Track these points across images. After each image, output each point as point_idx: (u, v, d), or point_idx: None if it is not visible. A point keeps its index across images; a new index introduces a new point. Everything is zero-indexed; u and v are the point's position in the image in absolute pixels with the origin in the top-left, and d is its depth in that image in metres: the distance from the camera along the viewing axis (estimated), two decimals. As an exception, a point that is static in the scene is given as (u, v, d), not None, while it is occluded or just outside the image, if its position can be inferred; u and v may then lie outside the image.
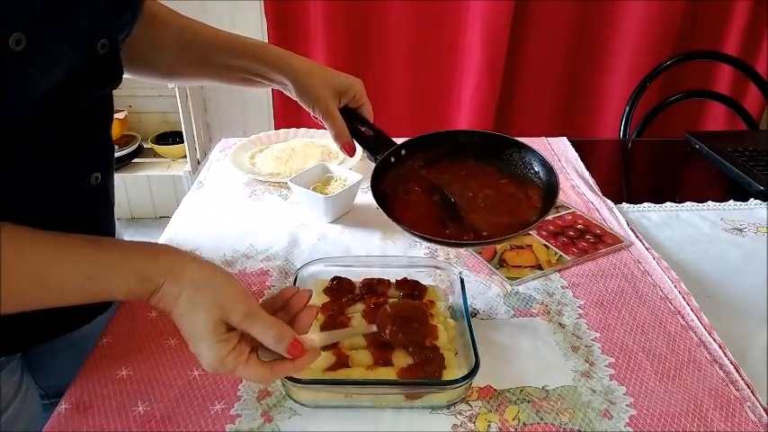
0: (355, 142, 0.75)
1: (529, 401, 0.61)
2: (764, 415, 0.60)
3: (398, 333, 0.62)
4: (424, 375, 0.60)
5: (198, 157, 2.21)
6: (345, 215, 0.97)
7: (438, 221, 0.67)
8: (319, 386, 0.60)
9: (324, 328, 0.67)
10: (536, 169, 0.71)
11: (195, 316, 0.49)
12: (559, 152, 1.22)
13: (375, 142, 0.74)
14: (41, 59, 0.48)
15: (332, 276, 0.74)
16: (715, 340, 0.69)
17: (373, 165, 0.71)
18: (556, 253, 0.87)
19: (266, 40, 1.94)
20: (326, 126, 0.75)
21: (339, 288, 0.73)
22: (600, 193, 1.05)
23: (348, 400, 0.61)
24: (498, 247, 0.88)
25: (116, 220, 0.76)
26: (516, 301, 0.77)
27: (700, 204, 1.02)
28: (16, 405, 0.66)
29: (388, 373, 0.60)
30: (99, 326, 0.71)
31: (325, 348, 0.64)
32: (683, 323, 0.73)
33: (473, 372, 0.58)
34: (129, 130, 2.24)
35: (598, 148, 1.41)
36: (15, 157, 0.54)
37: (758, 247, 0.90)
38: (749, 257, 0.88)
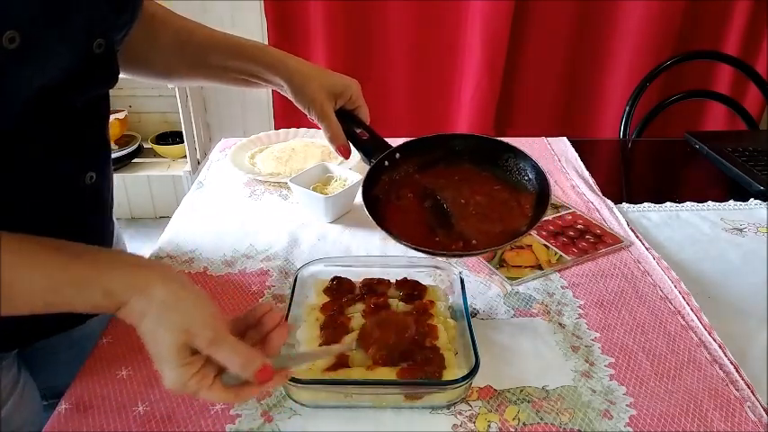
0: (351, 144, 0.75)
1: (529, 401, 0.61)
2: (764, 415, 0.60)
3: (381, 352, 0.61)
4: (424, 375, 0.60)
5: (198, 157, 2.21)
6: (345, 215, 0.97)
7: (428, 228, 0.66)
8: (319, 386, 0.60)
9: (324, 327, 0.67)
10: (530, 176, 0.70)
11: (160, 337, 0.48)
12: (559, 152, 1.22)
13: (370, 145, 0.74)
14: (35, 58, 0.47)
15: (332, 276, 0.74)
16: (715, 340, 0.69)
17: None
18: (556, 253, 0.87)
19: (266, 40, 1.94)
20: (322, 128, 0.75)
21: (339, 288, 0.73)
22: (600, 193, 1.05)
23: (348, 400, 0.61)
24: (498, 247, 0.88)
25: (116, 220, 0.76)
26: (516, 301, 0.77)
27: (700, 204, 1.02)
28: (14, 400, 0.66)
29: (388, 373, 0.60)
30: (99, 325, 0.71)
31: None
32: (683, 323, 0.73)
33: (473, 372, 0.58)
34: (129, 130, 2.24)
35: (598, 148, 1.41)
36: (9, 156, 0.53)
37: (758, 247, 0.90)
38: (749, 257, 0.88)
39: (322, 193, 0.95)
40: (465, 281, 0.71)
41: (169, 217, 0.99)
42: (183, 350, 0.48)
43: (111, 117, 2.14)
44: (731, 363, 0.66)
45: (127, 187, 2.42)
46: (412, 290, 0.72)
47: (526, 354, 0.68)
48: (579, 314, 0.74)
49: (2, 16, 0.43)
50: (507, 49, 1.91)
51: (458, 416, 0.60)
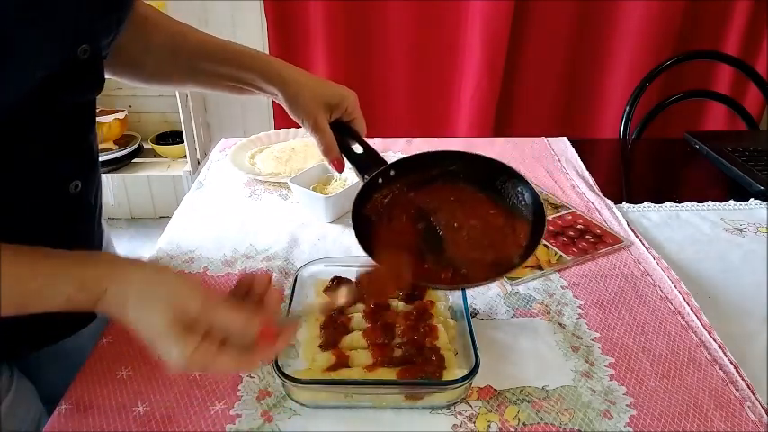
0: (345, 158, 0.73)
1: (529, 401, 0.61)
2: (764, 415, 0.60)
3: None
4: (424, 375, 0.60)
5: (198, 157, 2.21)
6: (345, 215, 0.97)
7: (418, 253, 0.64)
8: (319, 386, 0.60)
9: (324, 328, 0.67)
10: (526, 201, 0.67)
11: (149, 318, 0.47)
12: (559, 152, 1.22)
13: (364, 160, 0.71)
14: (12, 61, 0.46)
15: (332, 276, 0.74)
16: (715, 340, 0.69)
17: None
18: (556, 253, 0.87)
19: (266, 40, 1.94)
20: (315, 140, 0.73)
21: (339, 288, 0.73)
22: (600, 193, 1.05)
23: (348, 400, 0.61)
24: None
25: (105, 224, 0.75)
26: (516, 301, 0.77)
27: (700, 204, 1.02)
28: (7, 403, 0.64)
29: (388, 374, 0.61)
30: (90, 339, 0.69)
31: (325, 349, 0.64)
32: (683, 323, 0.73)
33: (473, 372, 0.58)
34: (129, 130, 2.24)
35: (598, 148, 1.41)
36: None
37: (758, 247, 0.90)
38: (749, 257, 0.88)
39: (322, 193, 0.95)
40: (465, 281, 0.71)
41: (169, 217, 0.99)
42: (175, 325, 0.46)
43: (111, 117, 2.16)
44: (731, 363, 0.66)
45: (127, 187, 2.42)
46: (412, 290, 0.72)
47: (526, 354, 0.68)
48: (579, 314, 0.74)
49: None
50: (507, 49, 1.91)
51: (458, 416, 0.60)
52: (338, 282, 0.73)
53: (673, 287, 0.79)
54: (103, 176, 2.51)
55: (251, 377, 0.64)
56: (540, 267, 0.83)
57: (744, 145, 1.22)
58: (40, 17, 0.47)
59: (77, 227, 0.67)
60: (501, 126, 2.07)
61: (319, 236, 0.92)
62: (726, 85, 1.96)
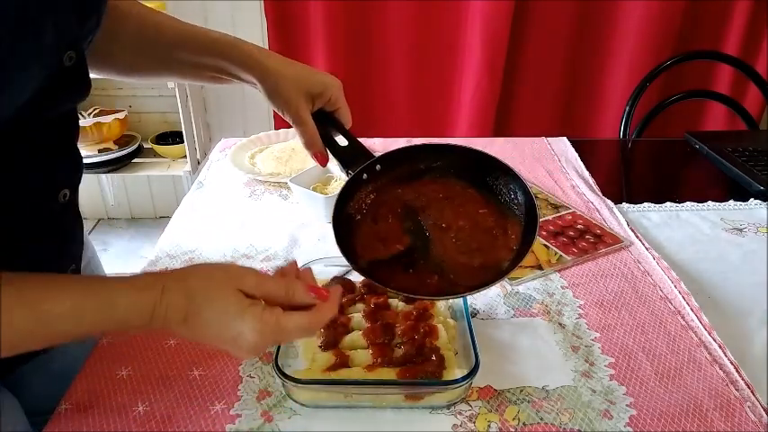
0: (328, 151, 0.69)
1: (529, 401, 0.61)
2: (764, 415, 0.60)
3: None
4: (425, 375, 0.60)
5: (198, 157, 2.21)
6: (345, 215, 0.97)
7: (403, 256, 0.61)
8: (319, 386, 0.60)
9: (324, 327, 0.67)
10: (519, 199, 0.63)
11: (213, 300, 0.48)
12: (559, 152, 1.22)
13: (349, 153, 0.67)
14: (4, 82, 0.45)
15: (332, 276, 0.74)
16: (715, 340, 0.69)
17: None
18: (556, 253, 0.87)
19: (266, 40, 1.94)
20: (297, 133, 0.70)
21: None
22: (600, 193, 1.05)
23: (348, 400, 0.61)
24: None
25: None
26: (516, 300, 0.77)
27: (700, 204, 1.02)
28: None
29: (388, 373, 0.61)
30: (76, 348, 0.65)
31: (325, 349, 0.64)
32: (683, 323, 0.73)
33: (473, 372, 0.58)
34: (129, 130, 2.24)
35: (598, 148, 1.41)
36: None
37: (758, 247, 0.90)
38: (749, 257, 0.88)
39: (322, 193, 0.95)
40: (465, 281, 0.71)
41: (169, 217, 0.99)
42: (243, 300, 0.49)
43: (111, 117, 2.16)
44: (731, 363, 0.66)
45: (127, 187, 2.42)
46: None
47: (526, 354, 0.68)
48: (579, 314, 0.74)
49: None
50: (507, 49, 1.91)
51: (458, 416, 0.60)
52: (338, 282, 0.73)
53: (673, 287, 0.79)
54: (103, 176, 2.51)
55: (251, 377, 0.64)
56: (540, 267, 0.83)
57: (744, 145, 1.22)
58: (29, 34, 0.46)
59: (66, 239, 0.65)
60: (501, 126, 2.07)
61: (319, 236, 0.92)
62: (726, 85, 1.96)
